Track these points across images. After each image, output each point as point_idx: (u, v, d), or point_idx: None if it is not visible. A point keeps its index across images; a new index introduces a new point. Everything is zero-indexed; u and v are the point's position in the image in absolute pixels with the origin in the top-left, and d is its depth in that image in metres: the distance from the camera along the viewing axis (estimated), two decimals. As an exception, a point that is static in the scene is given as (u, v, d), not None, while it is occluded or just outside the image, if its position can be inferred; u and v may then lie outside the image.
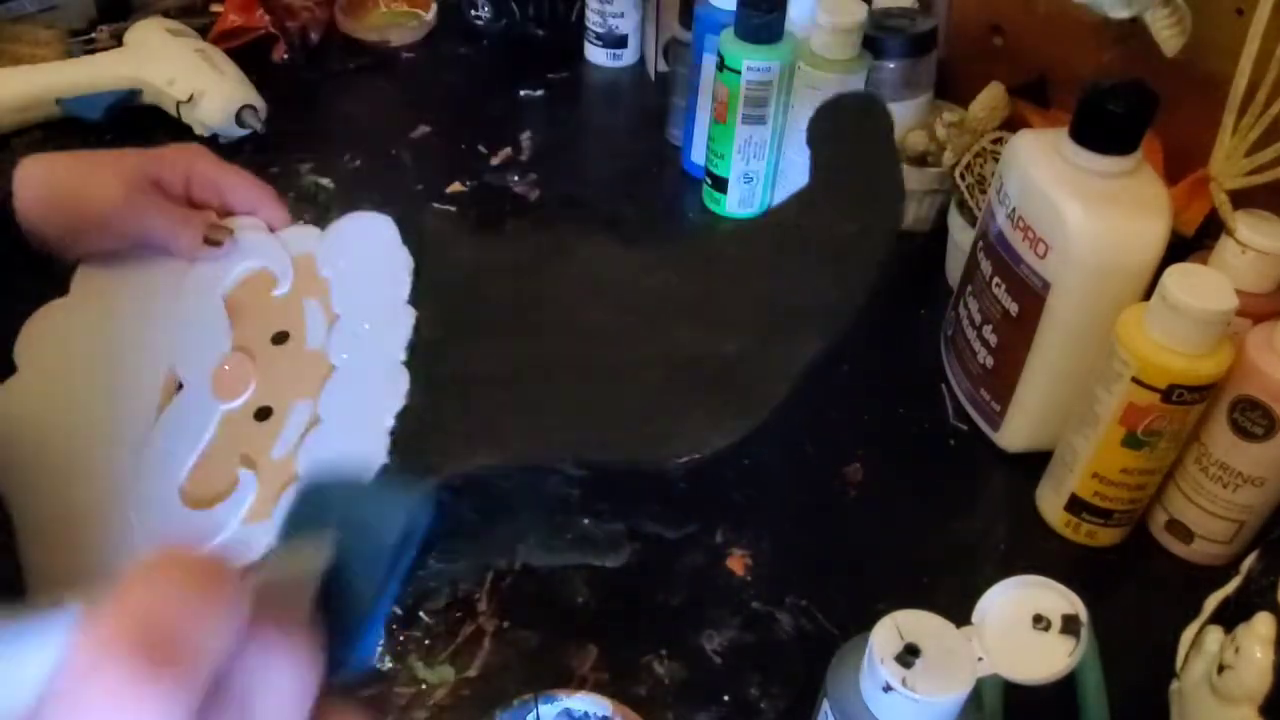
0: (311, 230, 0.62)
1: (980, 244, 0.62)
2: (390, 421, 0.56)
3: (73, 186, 0.58)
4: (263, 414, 0.56)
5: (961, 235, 0.72)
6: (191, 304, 0.60)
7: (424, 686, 0.49)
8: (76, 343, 0.58)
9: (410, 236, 0.60)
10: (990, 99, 0.74)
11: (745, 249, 0.59)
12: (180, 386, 0.56)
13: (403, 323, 0.59)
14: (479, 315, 0.58)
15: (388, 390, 0.57)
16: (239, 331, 0.59)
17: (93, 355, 0.57)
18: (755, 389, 0.48)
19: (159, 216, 0.59)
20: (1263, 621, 0.42)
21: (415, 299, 0.59)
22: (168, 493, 0.53)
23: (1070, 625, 0.39)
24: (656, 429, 0.48)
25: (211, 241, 0.59)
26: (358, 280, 0.61)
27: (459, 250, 0.62)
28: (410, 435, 0.53)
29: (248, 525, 0.52)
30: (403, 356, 0.58)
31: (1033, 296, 0.57)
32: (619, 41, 0.96)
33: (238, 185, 0.61)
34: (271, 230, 0.62)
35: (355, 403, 0.57)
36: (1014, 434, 0.62)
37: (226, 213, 0.62)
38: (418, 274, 0.60)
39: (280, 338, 0.59)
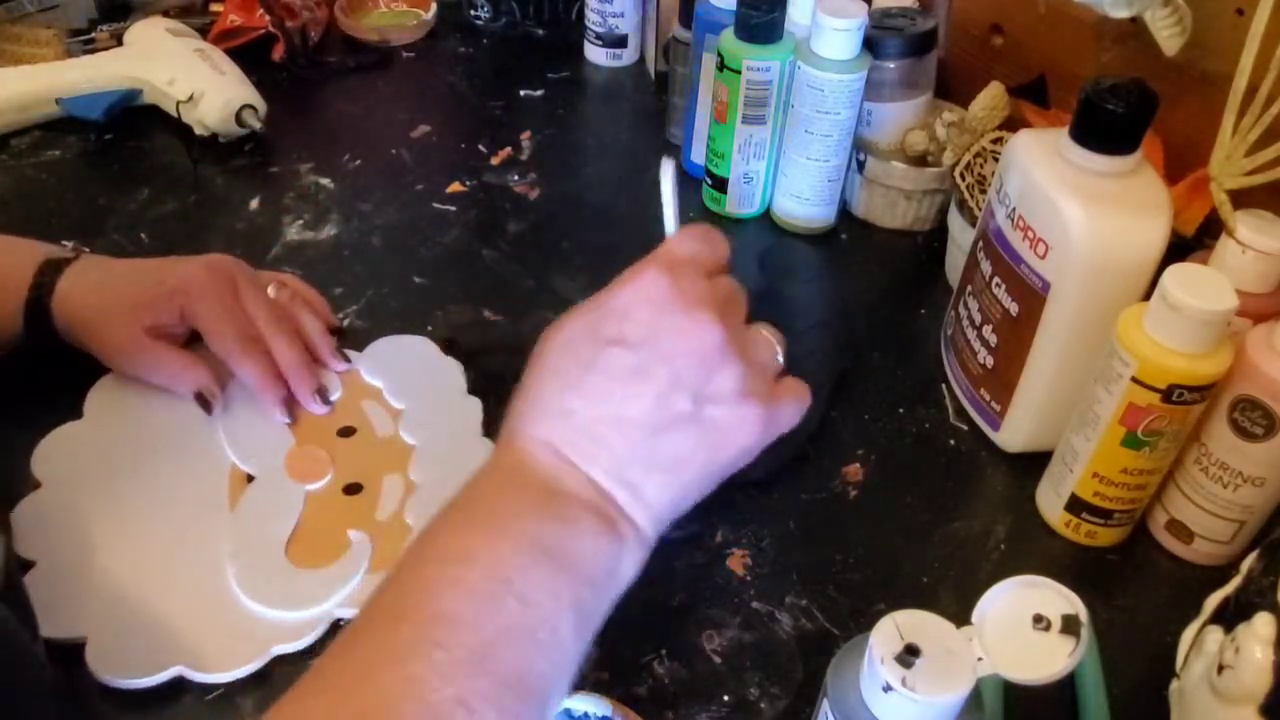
0: (348, 352, 0.64)
1: (980, 244, 0.62)
2: None
3: (90, 323, 0.60)
4: (352, 489, 0.57)
5: (961, 235, 0.72)
6: (239, 412, 0.60)
7: (424, 686, 0.49)
8: (102, 458, 0.57)
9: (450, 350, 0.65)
10: (990, 99, 0.74)
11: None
12: (251, 479, 0.57)
13: (471, 409, 0.61)
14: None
15: (478, 455, 0.58)
16: (299, 431, 0.60)
17: (126, 465, 0.57)
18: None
19: (158, 369, 0.60)
20: (1263, 621, 0.42)
21: (475, 392, 0.62)
22: (272, 559, 0.53)
23: (1070, 625, 0.39)
24: None
25: (201, 401, 0.59)
26: (409, 384, 0.63)
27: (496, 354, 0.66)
28: None
29: (373, 575, 0.53)
30: (481, 431, 0.60)
31: (1033, 296, 0.57)
32: (619, 41, 0.96)
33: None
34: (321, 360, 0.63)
35: (449, 470, 0.57)
36: (1014, 434, 0.62)
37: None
38: (470, 370, 0.63)
39: (346, 431, 0.60)
